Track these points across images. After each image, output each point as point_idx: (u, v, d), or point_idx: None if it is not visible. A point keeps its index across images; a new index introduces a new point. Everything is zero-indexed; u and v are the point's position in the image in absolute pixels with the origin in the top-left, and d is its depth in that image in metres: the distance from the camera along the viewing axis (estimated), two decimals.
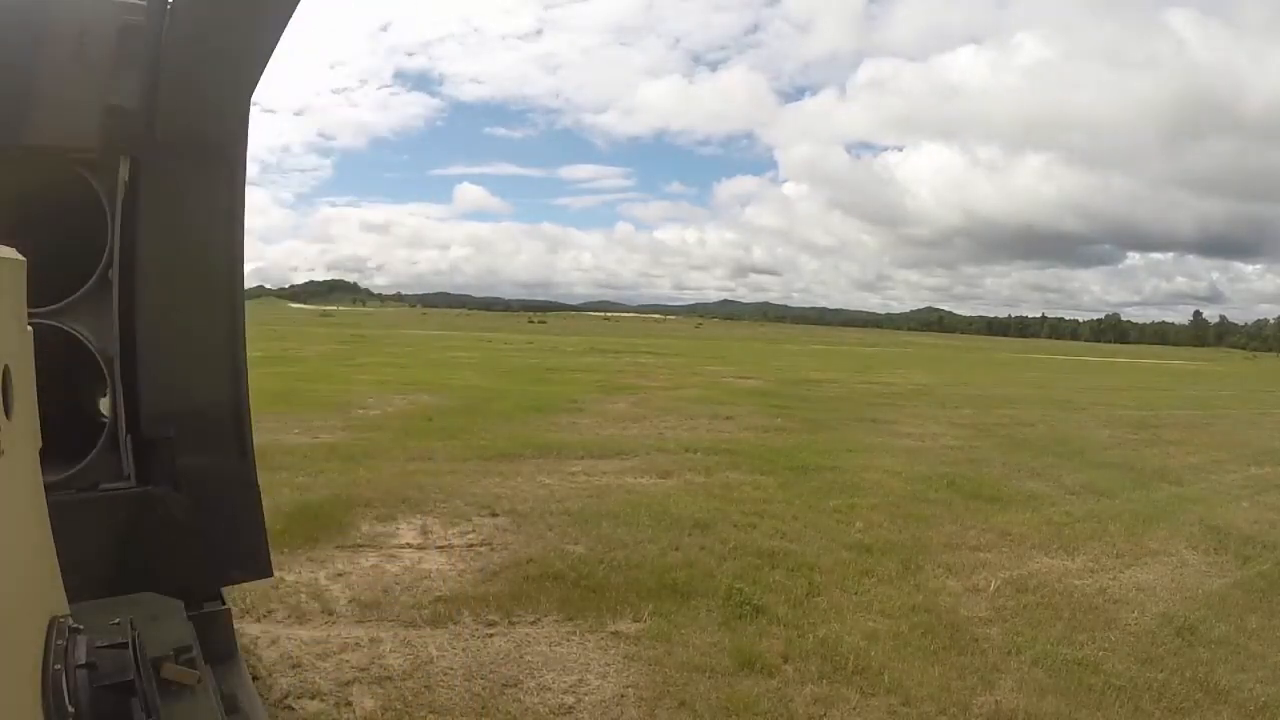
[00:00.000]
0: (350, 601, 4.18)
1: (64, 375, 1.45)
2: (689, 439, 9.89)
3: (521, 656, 3.65)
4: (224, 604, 1.79)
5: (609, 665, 3.62)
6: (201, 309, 1.56)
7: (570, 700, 3.32)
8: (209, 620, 1.62)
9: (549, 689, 3.39)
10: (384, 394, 13.29)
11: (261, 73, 1.75)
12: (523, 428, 10.13)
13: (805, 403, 15.18)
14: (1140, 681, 3.71)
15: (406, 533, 5.41)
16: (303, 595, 4.19)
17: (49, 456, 1.32)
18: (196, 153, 1.56)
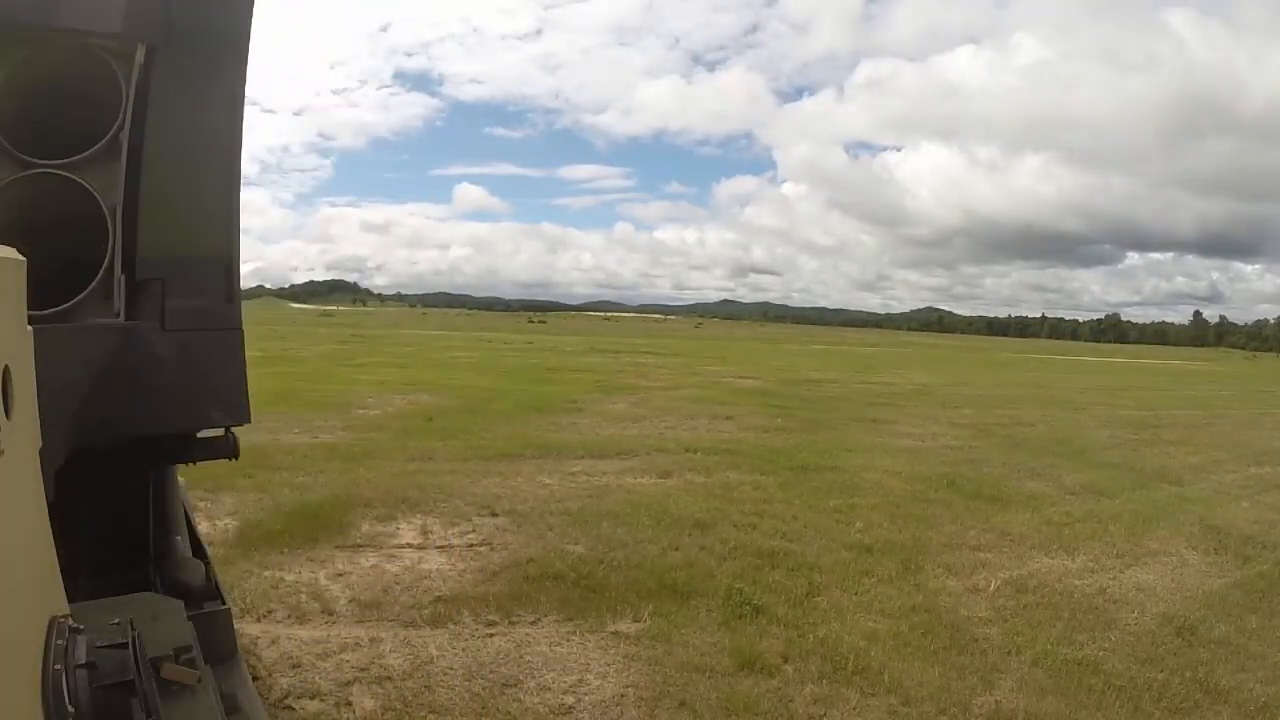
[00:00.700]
0: (350, 601, 4.18)
1: (73, 225, 1.56)
2: (689, 439, 9.90)
3: (521, 656, 3.65)
4: (224, 604, 1.81)
5: (609, 665, 3.62)
6: (202, 169, 1.68)
7: (570, 700, 3.32)
8: (209, 620, 1.64)
9: (549, 689, 3.39)
10: (384, 394, 13.29)
11: None
12: (523, 428, 10.13)
13: (805, 403, 15.19)
14: (1140, 682, 3.71)
15: (406, 533, 5.41)
16: (303, 595, 4.19)
17: (47, 295, 1.42)
18: (209, 40, 1.67)
